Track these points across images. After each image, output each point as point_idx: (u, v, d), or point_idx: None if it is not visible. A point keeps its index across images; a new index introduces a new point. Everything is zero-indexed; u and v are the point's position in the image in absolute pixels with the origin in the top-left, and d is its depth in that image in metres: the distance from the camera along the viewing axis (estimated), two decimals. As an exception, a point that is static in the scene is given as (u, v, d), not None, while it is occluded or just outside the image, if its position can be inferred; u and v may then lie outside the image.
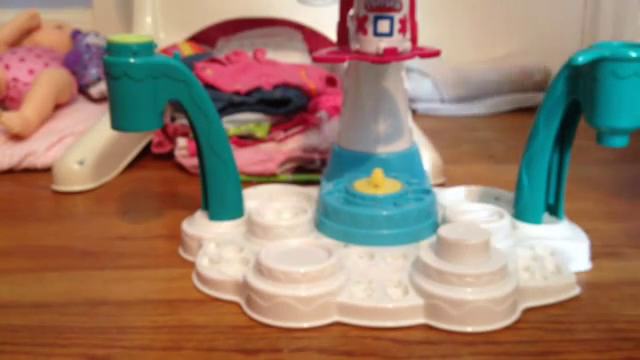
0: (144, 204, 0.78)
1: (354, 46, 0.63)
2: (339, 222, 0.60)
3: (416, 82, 1.23)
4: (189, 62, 0.93)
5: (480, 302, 0.48)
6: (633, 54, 0.50)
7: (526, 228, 0.60)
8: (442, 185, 0.80)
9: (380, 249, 0.57)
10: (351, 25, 0.64)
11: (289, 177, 0.83)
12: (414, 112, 1.20)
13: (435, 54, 0.63)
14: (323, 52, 0.63)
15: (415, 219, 0.59)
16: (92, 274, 0.59)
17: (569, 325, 0.50)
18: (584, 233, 0.60)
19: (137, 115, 0.57)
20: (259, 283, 0.51)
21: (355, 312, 0.50)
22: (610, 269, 0.58)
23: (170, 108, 0.91)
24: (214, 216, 0.63)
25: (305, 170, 0.85)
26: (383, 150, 0.68)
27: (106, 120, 0.60)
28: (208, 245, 0.59)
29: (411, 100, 1.18)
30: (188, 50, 1.09)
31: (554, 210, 0.62)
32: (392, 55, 0.60)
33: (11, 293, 0.56)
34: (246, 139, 0.87)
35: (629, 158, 0.90)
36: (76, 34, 1.22)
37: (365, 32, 0.61)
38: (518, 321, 0.50)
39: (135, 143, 0.92)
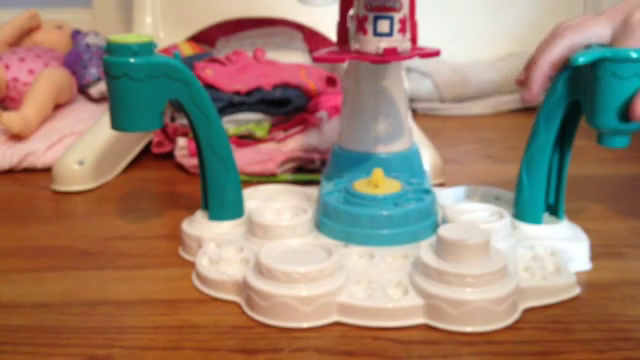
0: (144, 204, 0.78)
1: (354, 46, 0.63)
2: (339, 222, 0.60)
3: (416, 82, 1.23)
4: (189, 62, 0.93)
5: (480, 302, 0.48)
6: (634, 55, 0.50)
7: (526, 228, 0.60)
8: (442, 185, 0.80)
9: (380, 249, 0.57)
10: (351, 25, 0.64)
11: (289, 177, 0.83)
12: (414, 112, 1.20)
13: (435, 54, 0.63)
14: (323, 52, 0.63)
15: (415, 219, 0.59)
16: (92, 274, 0.59)
17: (569, 325, 0.50)
18: (584, 233, 0.61)
19: (137, 115, 0.57)
20: (259, 283, 0.51)
21: (355, 312, 0.50)
22: (610, 269, 0.58)
23: (170, 108, 0.91)
24: (214, 216, 0.63)
25: (305, 170, 0.85)
26: (383, 150, 0.68)
27: (106, 120, 0.60)
28: (208, 245, 0.59)
29: (411, 100, 1.18)
30: (188, 50, 1.09)
31: (554, 210, 0.62)
32: (392, 55, 0.60)
33: (11, 293, 0.56)
34: (246, 139, 0.87)
35: (629, 158, 0.90)
36: (76, 34, 1.22)
37: (365, 32, 0.61)
38: (518, 321, 0.50)
39: (135, 143, 0.92)
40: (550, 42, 0.56)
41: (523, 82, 0.58)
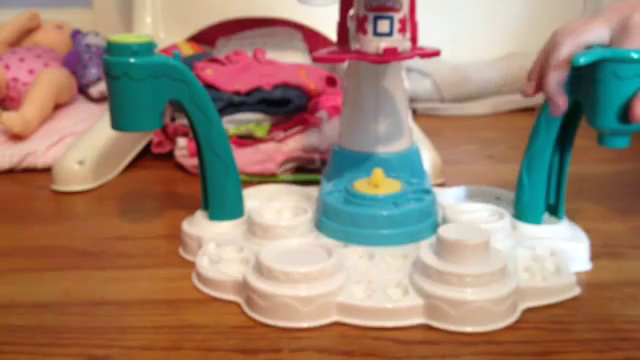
0: (144, 204, 0.78)
1: (354, 46, 0.63)
2: (339, 222, 0.60)
3: (416, 82, 1.23)
4: (189, 62, 0.92)
5: (480, 302, 0.48)
6: (635, 55, 0.50)
7: (526, 228, 0.60)
8: (442, 185, 0.80)
9: (380, 249, 0.57)
10: (351, 25, 0.64)
11: (289, 177, 0.83)
12: (414, 112, 1.20)
13: (435, 54, 0.63)
14: (323, 52, 0.63)
15: (415, 219, 0.59)
16: (92, 274, 0.59)
17: (569, 325, 0.50)
18: (584, 233, 0.61)
19: (137, 115, 0.57)
20: (259, 283, 0.51)
21: (355, 312, 0.50)
22: (610, 269, 0.58)
23: (170, 108, 0.91)
24: (214, 216, 0.63)
25: (305, 170, 0.85)
26: (383, 150, 0.68)
27: (106, 120, 0.60)
28: (208, 245, 0.59)
29: (411, 100, 1.18)
30: (188, 50, 1.09)
31: (554, 210, 0.62)
32: (392, 55, 0.60)
33: (11, 293, 0.56)
34: (246, 139, 0.87)
35: (629, 158, 0.90)
36: (76, 34, 1.22)
37: (365, 32, 0.61)
38: (518, 321, 0.50)
39: (135, 143, 0.92)
40: (551, 52, 0.55)
41: (530, 94, 0.57)
